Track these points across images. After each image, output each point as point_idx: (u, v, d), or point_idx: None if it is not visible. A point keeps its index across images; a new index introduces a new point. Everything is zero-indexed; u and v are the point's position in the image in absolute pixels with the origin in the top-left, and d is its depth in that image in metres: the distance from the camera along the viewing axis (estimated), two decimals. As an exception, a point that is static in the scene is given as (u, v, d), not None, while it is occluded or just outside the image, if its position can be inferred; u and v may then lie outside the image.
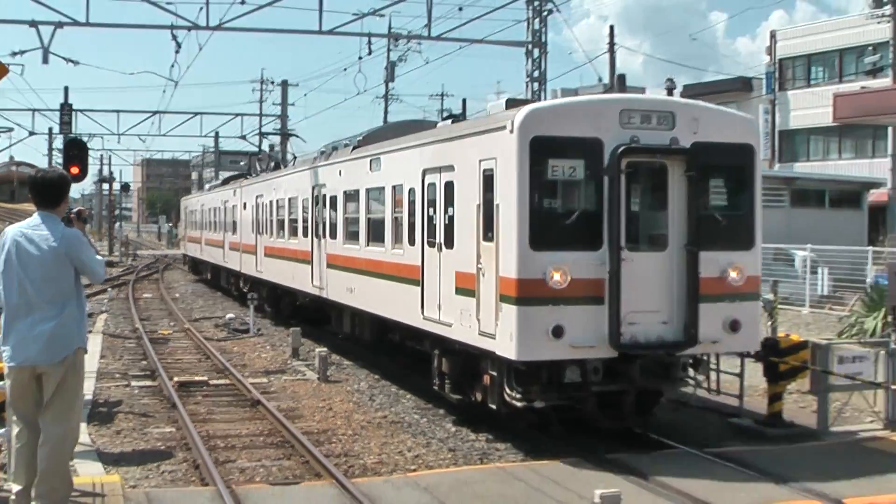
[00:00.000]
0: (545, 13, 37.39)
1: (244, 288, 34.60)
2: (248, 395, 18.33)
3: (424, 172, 16.17)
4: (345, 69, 62.61)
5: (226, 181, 45.64)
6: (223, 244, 40.07)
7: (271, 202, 30.26)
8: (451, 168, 15.09)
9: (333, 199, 22.36)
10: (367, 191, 19.77)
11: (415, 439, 15.03)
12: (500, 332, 13.16)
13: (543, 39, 37.41)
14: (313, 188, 24.12)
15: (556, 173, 13.22)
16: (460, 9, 36.79)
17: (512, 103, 14.50)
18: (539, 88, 35.93)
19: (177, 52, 34.89)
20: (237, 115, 60.56)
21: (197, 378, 20.23)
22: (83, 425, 14.32)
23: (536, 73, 37.12)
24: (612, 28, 46.97)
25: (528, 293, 12.74)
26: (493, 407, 14.11)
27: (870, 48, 50.07)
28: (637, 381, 13.45)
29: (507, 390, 13.47)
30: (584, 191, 13.45)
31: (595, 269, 12.97)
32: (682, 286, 13.41)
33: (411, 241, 16.82)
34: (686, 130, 13.56)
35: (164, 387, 19.13)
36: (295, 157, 32.10)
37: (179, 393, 18.35)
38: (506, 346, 13.02)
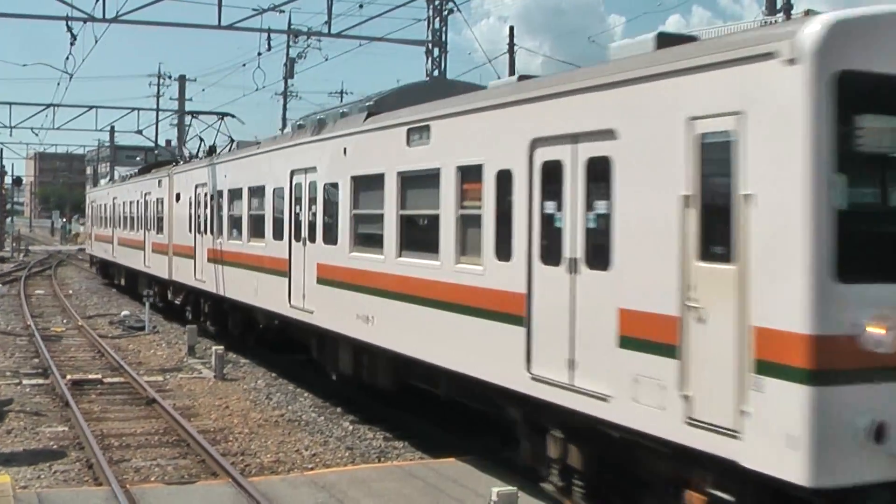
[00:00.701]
0: (445, 12, 37.73)
1: (175, 299, 29.43)
2: (143, 394, 18.12)
3: (534, 145, 10.78)
4: (244, 65, 62.84)
5: (147, 169, 39.46)
6: (144, 245, 34.07)
7: (221, 193, 23.78)
8: (606, 134, 9.61)
9: (331, 189, 16.49)
10: (401, 175, 14.05)
11: (312, 438, 15.03)
12: (751, 429, 7.83)
13: (444, 39, 37.79)
14: (293, 174, 18.32)
15: (871, 142, 8.04)
16: (361, 6, 36.50)
17: (665, 39, 9.73)
18: (439, 87, 36.07)
19: (72, 44, 34.10)
20: (133, 109, 60.51)
21: (91, 376, 19.96)
22: (-28, 425, 14.08)
23: (436, 72, 37.34)
24: (511, 29, 47.03)
25: (831, 362, 7.44)
26: None
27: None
28: None
29: None
30: None
31: None
32: None
33: (503, 255, 11.32)
34: None
35: (56, 385, 18.82)
36: (233, 141, 27.42)
37: (73, 391, 18.06)
38: (773, 458, 7.65)
